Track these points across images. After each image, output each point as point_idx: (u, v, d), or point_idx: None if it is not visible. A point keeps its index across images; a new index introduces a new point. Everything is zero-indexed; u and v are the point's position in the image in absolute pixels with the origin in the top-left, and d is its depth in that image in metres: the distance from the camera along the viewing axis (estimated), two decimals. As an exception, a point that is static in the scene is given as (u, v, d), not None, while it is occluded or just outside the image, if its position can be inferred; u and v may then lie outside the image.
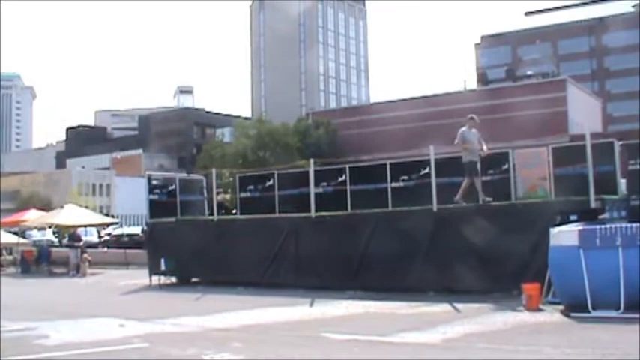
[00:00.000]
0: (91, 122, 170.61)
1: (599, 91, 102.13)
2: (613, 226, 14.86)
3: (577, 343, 11.81)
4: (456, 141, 19.52)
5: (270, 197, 24.80)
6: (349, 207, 22.42)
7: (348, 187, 22.94)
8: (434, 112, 60.32)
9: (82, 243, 34.20)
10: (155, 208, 25.90)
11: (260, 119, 77.06)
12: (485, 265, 18.04)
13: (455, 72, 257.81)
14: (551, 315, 14.52)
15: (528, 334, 12.81)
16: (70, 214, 36.09)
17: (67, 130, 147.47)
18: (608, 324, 13.08)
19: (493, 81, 75.06)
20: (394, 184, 22.02)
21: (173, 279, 25.13)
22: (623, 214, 17.98)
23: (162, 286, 24.37)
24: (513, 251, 17.53)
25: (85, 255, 33.04)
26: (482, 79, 78.96)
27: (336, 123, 67.47)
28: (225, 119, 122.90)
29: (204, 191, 28.42)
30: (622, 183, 19.27)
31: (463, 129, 19.68)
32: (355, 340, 12.96)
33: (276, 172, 26.22)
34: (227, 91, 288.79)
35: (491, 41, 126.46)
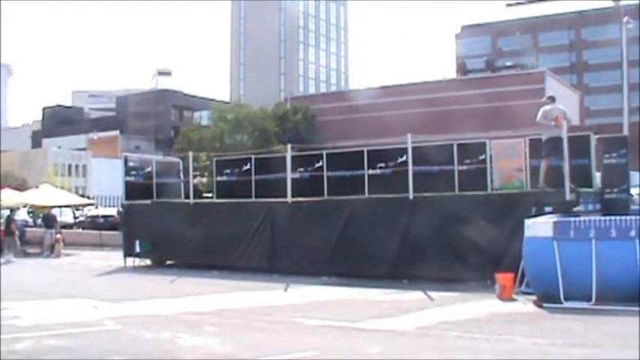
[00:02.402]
0: (68, 102, 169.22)
1: (578, 84, 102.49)
2: (587, 218, 15.00)
3: (549, 333, 11.91)
4: (538, 118, 19.02)
5: (246, 181, 24.79)
6: (325, 193, 22.45)
7: (325, 173, 22.97)
8: (412, 100, 60.23)
9: (57, 223, 34.00)
10: (131, 190, 25.80)
11: (238, 103, 76.69)
12: (459, 255, 18.14)
13: (434, 61, 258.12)
14: (524, 305, 14.63)
15: (501, 324, 12.90)
16: (45, 194, 35.82)
17: (44, 109, 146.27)
18: (580, 315, 13.21)
19: (472, 71, 74.93)
20: (371, 171, 22.08)
21: (148, 261, 25.07)
22: (598, 206, 18.12)
23: (136, 269, 24.31)
24: (488, 241, 17.60)
25: (60, 236, 32.86)
26: (462, 69, 78.92)
27: (315, 109, 67.25)
28: (203, 102, 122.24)
29: (181, 174, 28.33)
30: (597, 176, 19.41)
31: (545, 107, 19.15)
32: (328, 326, 13.02)
33: (253, 156, 26.19)
34: (206, 74, 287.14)
35: (472, 31, 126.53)
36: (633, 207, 19.60)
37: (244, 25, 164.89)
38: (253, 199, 23.69)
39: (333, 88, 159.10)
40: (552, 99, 19.33)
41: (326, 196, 22.19)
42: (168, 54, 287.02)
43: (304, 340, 11.79)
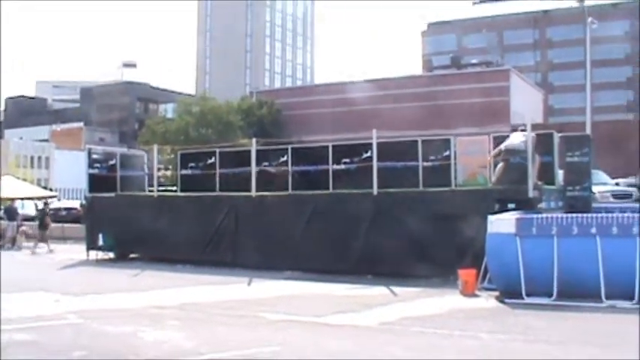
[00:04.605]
0: (31, 93, 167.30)
1: (542, 82, 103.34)
2: (549, 215, 15.16)
3: (510, 328, 12.00)
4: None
5: (211, 175, 24.67)
6: (290, 187, 22.43)
7: (290, 168, 22.94)
8: (378, 96, 60.45)
9: (18, 216, 33.66)
10: (94, 183, 25.62)
11: (204, 96, 76.49)
12: (423, 250, 18.20)
13: (401, 58, 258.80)
14: (486, 301, 14.73)
15: (463, 319, 12.98)
16: (6, 186, 35.43)
17: (6, 99, 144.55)
18: (541, 311, 13.33)
19: (438, 68, 75.41)
20: (336, 167, 22.09)
21: (111, 255, 24.86)
22: (560, 204, 18.33)
23: (99, 262, 24.12)
24: (452, 237, 17.69)
25: (23, 228, 32.56)
26: (428, 65, 79.44)
27: (280, 103, 67.30)
28: (168, 95, 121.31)
29: (145, 167, 28.18)
30: (560, 174, 19.60)
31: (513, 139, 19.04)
32: (291, 320, 13.02)
33: (218, 150, 26.08)
34: (172, 66, 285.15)
35: (438, 29, 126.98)
36: (595, 205, 19.86)
37: (211, 18, 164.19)
38: (217, 193, 23.59)
39: (299, 83, 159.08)
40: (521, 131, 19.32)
41: (290, 191, 22.16)
42: (134, 46, 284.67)
43: (267, 334, 11.76)
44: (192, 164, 25.67)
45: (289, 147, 24.01)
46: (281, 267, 20.04)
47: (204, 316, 13.69)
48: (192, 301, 15.38)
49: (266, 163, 23.31)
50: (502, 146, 18.69)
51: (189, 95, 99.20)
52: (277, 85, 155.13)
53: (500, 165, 18.69)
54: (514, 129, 19.70)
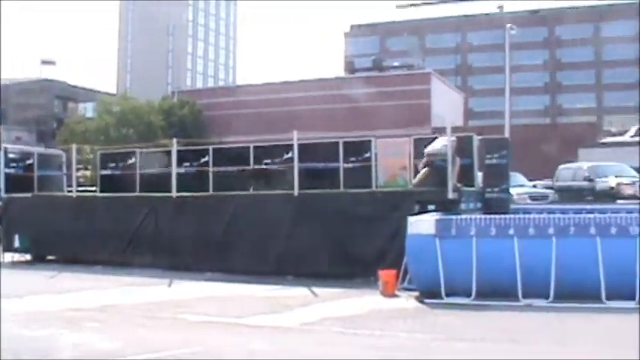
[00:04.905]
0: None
1: (463, 86, 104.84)
2: (468, 216, 15.41)
3: (430, 328, 12.14)
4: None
5: (131, 175, 24.34)
6: (211, 188, 22.29)
7: (211, 168, 22.80)
8: (301, 97, 60.58)
9: None
10: (11, 183, 25.00)
11: (124, 96, 75.72)
12: (344, 251, 18.25)
13: (323, 59, 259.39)
14: (406, 301, 14.83)
15: (383, 320, 13.05)
16: None
17: None
18: (460, 310, 13.50)
19: (360, 70, 75.79)
20: (257, 167, 22.04)
21: (28, 256, 24.34)
22: (479, 205, 18.61)
23: (15, 264, 23.54)
24: (372, 238, 17.81)
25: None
26: (350, 67, 79.71)
27: (202, 103, 66.92)
28: (88, 94, 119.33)
29: (64, 167, 27.67)
30: (479, 176, 19.89)
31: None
32: (212, 322, 12.96)
33: (138, 150, 25.77)
34: (92, 65, 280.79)
35: (361, 31, 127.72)
36: (513, 206, 20.22)
37: (132, 16, 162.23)
38: (138, 194, 23.30)
39: (222, 83, 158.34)
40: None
41: (211, 192, 22.02)
42: (54, 43, 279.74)
43: (188, 336, 11.66)
44: (112, 164, 25.30)
45: (210, 147, 23.87)
46: (202, 268, 19.89)
47: (124, 317, 13.52)
48: (112, 303, 15.16)
49: (187, 164, 23.11)
50: (425, 151, 18.90)
51: (110, 94, 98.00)
52: (199, 85, 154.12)
53: (425, 169, 18.87)
54: (435, 131, 19.92)
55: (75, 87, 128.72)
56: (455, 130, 20.04)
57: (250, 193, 21.18)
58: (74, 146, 26.34)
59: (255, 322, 12.90)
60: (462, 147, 19.10)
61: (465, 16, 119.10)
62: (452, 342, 10.92)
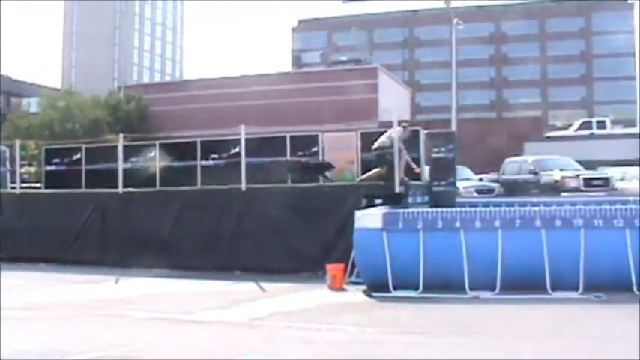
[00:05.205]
0: None
1: (410, 80, 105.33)
2: (415, 210, 15.48)
3: (378, 321, 12.18)
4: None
5: (77, 171, 24.08)
6: (158, 183, 22.12)
7: (158, 164, 22.62)
8: (248, 92, 60.29)
9: None
10: (-48, 179, 24.59)
11: (69, 90, 74.65)
12: (292, 246, 18.27)
13: (271, 54, 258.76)
14: (354, 295, 14.87)
15: (331, 313, 13.08)
16: None
17: None
18: (408, 303, 13.59)
19: (307, 65, 75.86)
20: (204, 162, 21.92)
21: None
22: (426, 199, 18.71)
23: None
24: (320, 232, 17.86)
25: None
26: (297, 62, 79.74)
27: (149, 98, 66.29)
28: (32, 88, 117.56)
29: (7, 163, 27.22)
30: (426, 170, 20.01)
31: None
32: (159, 318, 12.85)
33: (84, 145, 25.48)
34: (36, 59, 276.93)
35: (308, 25, 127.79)
36: (459, 199, 20.36)
37: (78, 9, 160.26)
38: (83, 190, 23.03)
39: (168, 78, 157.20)
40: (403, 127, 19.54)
41: (158, 187, 21.85)
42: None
43: (135, 332, 11.57)
44: (58, 160, 24.98)
45: (157, 143, 23.68)
46: (149, 264, 19.70)
47: (70, 315, 13.35)
48: (58, 301, 15.01)
49: (134, 159, 22.91)
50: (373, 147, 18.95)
51: (55, 89, 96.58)
52: (146, 79, 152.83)
53: (378, 169, 18.91)
54: (381, 126, 19.95)
55: (18, 81, 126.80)
56: (402, 124, 20.10)
57: (197, 189, 21.06)
58: (18, 142, 25.94)
59: (203, 318, 12.84)
60: (409, 140, 19.22)
61: (413, 11, 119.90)
62: (400, 335, 10.98)
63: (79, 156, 24.47)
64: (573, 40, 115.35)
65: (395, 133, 18.56)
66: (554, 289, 13.69)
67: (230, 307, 13.95)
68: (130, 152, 22.88)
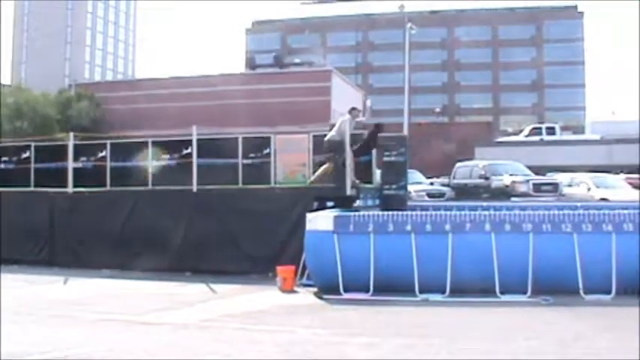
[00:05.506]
0: None
1: (363, 84, 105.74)
2: (366, 213, 15.54)
3: (328, 323, 12.20)
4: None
5: (25, 170, 23.71)
6: (109, 183, 21.91)
7: (109, 163, 22.39)
8: (202, 92, 60.11)
9: None
10: None
11: (19, 87, 73.79)
12: (242, 247, 18.26)
13: (225, 55, 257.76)
14: (305, 297, 14.92)
15: (282, 315, 13.11)
16: None
17: None
18: (358, 306, 13.65)
19: (261, 66, 75.67)
20: (155, 163, 21.77)
21: None
22: (377, 202, 18.78)
23: None
24: (271, 234, 17.87)
25: None
26: (251, 63, 79.47)
27: (101, 96, 65.75)
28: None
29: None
30: (377, 173, 20.08)
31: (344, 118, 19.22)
32: (109, 320, 12.72)
33: (33, 143, 25.08)
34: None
35: (263, 27, 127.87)
36: (410, 203, 20.47)
37: (29, 6, 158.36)
38: (32, 189, 22.70)
39: (120, 77, 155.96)
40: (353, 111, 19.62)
41: (109, 187, 21.65)
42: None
43: (84, 334, 11.46)
44: (5, 158, 24.53)
45: (108, 142, 23.44)
46: (99, 265, 19.54)
47: (18, 317, 13.12)
48: (5, 302, 14.76)
49: (84, 159, 22.65)
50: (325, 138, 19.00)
51: (4, 85, 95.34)
52: (98, 78, 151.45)
53: (325, 165, 18.96)
54: (332, 128, 19.94)
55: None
56: (357, 126, 20.19)
57: (149, 189, 20.91)
58: (-37, 140, 25.52)
59: (153, 320, 12.77)
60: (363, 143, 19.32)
61: (367, 15, 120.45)
62: (350, 337, 11.01)
63: (27, 154, 24.07)
64: (525, 47, 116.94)
65: (344, 123, 18.63)
66: (503, 292, 13.84)
67: (181, 308, 13.90)
68: (80, 151, 22.59)
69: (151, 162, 21.71)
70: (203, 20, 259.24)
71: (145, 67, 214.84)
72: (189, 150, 20.34)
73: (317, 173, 19.19)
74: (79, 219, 20.69)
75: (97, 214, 20.44)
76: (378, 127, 19.76)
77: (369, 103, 18.67)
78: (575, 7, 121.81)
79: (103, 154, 22.61)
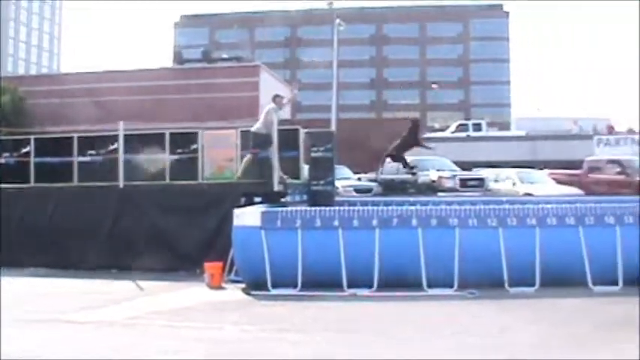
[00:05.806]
0: None
1: (291, 79, 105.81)
2: (294, 208, 15.60)
3: (256, 319, 12.23)
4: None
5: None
6: (32, 180, 21.54)
7: (32, 159, 22.00)
8: (128, 87, 59.42)
9: None
10: None
11: (-62, 81, 72.15)
12: (170, 244, 18.11)
13: (153, 49, 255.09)
14: (233, 293, 14.89)
15: (210, 312, 13.09)
16: None
17: None
18: (286, 301, 13.66)
19: (189, 61, 75.10)
20: (81, 158, 21.45)
21: None
22: (305, 197, 18.85)
23: None
24: (198, 230, 17.79)
25: None
26: (178, 58, 78.81)
27: (24, 91, 64.51)
28: None
29: None
30: (305, 168, 20.14)
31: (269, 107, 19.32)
32: (34, 319, 12.46)
33: (-48, 138, 24.56)
34: None
35: (191, 21, 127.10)
36: (338, 198, 20.58)
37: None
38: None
39: (45, 70, 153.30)
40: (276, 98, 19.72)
41: (33, 184, 21.28)
42: None
43: (7, 334, 11.18)
44: None
45: (32, 137, 23.03)
46: (24, 263, 19.11)
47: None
48: None
49: (7, 154, 22.22)
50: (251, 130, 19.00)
51: None
52: (22, 71, 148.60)
53: (247, 157, 18.97)
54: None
55: None
56: (282, 122, 20.22)
57: (74, 185, 20.61)
58: None
59: (79, 318, 12.58)
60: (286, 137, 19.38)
61: (296, 10, 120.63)
62: (277, 332, 11.05)
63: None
64: (452, 44, 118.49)
65: (270, 113, 18.69)
66: (430, 286, 14.02)
67: (107, 306, 13.74)
68: (3, 147, 22.18)
69: (77, 157, 21.40)
70: (131, 14, 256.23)
71: (72, 62, 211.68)
72: (115, 145, 20.13)
73: (241, 168, 19.18)
74: (2, 216, 20.28)
75: (21, 210, 20.05)
76: (415, 123, 19.82)
77: (295, 91, 18.69)
78: (501, 6, 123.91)
79: (27, 149, 22.19)
